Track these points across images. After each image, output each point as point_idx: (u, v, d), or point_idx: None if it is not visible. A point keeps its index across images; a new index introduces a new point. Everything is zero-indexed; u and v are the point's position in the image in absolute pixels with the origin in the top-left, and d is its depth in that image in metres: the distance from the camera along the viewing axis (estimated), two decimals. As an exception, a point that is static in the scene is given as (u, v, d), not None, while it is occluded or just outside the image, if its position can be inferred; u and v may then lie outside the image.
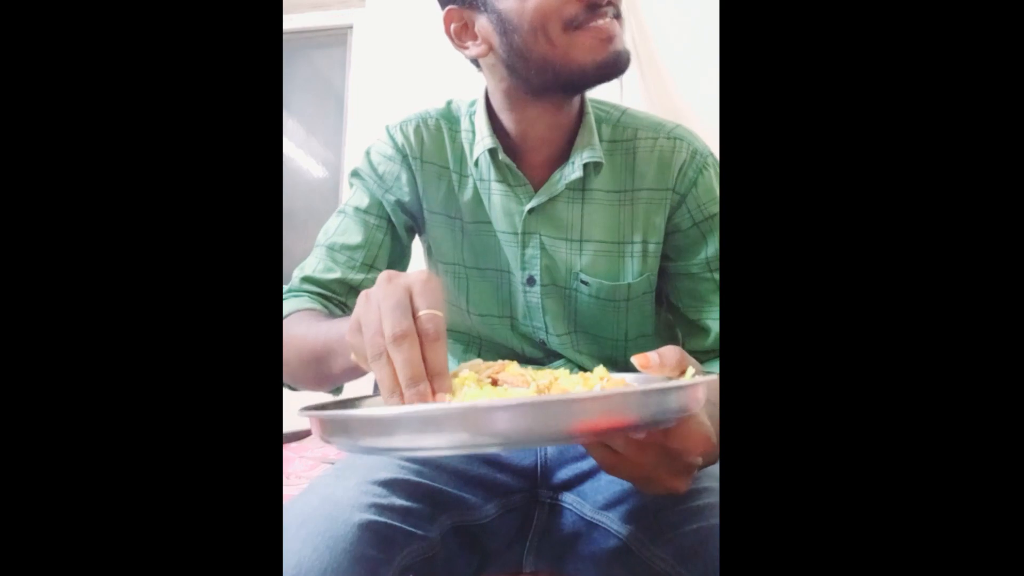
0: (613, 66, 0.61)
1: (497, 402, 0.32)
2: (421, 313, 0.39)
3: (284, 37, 2.30)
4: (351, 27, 2.49)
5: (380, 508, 0.49)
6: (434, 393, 0.38)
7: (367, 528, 0.47)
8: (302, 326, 0.62)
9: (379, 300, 0.40)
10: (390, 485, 0.52)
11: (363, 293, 0.42)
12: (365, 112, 2.34)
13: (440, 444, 0.33)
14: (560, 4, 0.59)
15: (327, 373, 0.58)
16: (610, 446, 0.41)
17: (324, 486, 0.52)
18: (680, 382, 0.37)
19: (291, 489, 1.31)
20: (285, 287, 0.68)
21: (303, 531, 0.46)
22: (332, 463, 1.53)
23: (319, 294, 0.69)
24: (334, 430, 0.36)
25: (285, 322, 0.64)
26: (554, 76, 0.62)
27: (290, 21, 2.50)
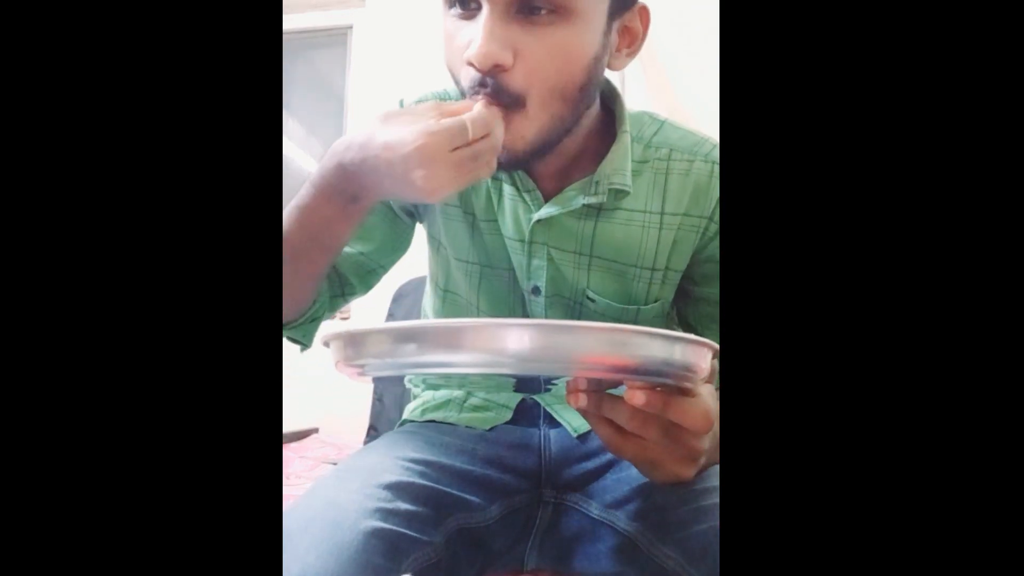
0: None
1: (515, 321, 0.35)
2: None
3: (284, 37, 2.30)
4: (351, 27, 2.49)
5: (386, 513, 0.49)
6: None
7: (374, 535, 0.46)
8: None
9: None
10: (395, 488, 0.52)
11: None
12: (365, 112, 2.35)
13: (461, 360, 0.35)
14: (459, 62, 0.53)
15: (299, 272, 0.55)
16: (614, 421, 0.42)
17: (327, 489, 0.51)
18: (689, 336, 0.38)
19: (291, 490, 1.31)
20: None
21: (307, 537, 0.45)
22: (334, 463, 1.53)
23: None
24: (357, 347, 0.39)
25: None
26: None
27: (290, 21, 2.50)
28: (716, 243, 0.63)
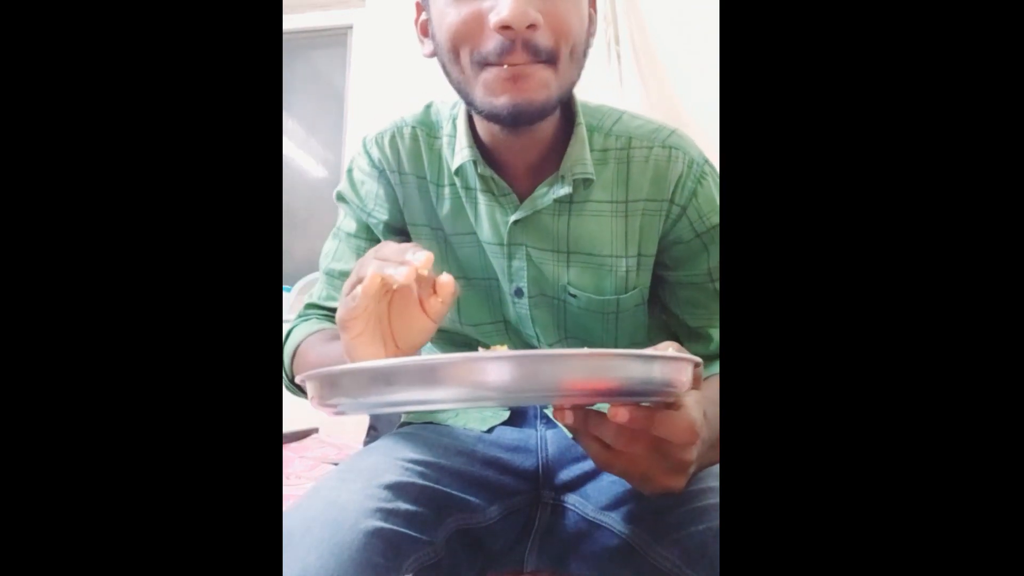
0: (513, 116, 0.55)
1: (491, 354, 0.35)
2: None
3: (284, 37, 2.30)
4: (351, 27, 2.49)
5: (386, 513, 0.49)
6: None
7: (374, 535, 0.46)
8: (320, 345, 0.62)
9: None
10: (395, 489, 0.52)
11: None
12: (365, 112, 2.34)
13: (438, 397, 0.35)
14: (474, 31, 0.54)
15: None
16: (601, 438, 0.42)
17: (328, 490, 0.51)
18: (665, 353, 0.38)
19: (291, 490, 1.31)
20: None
21: (308, 538, 0.45)
22: (334, 463, 1.53)
23: (326, 317, 0.70)
24: (332, 387, 0.38)
25: (303, 345, 0.65)
26: (469, 104, 0.59)
27: (290, 21, 2.50)
28: (682, 225, 0.65)
